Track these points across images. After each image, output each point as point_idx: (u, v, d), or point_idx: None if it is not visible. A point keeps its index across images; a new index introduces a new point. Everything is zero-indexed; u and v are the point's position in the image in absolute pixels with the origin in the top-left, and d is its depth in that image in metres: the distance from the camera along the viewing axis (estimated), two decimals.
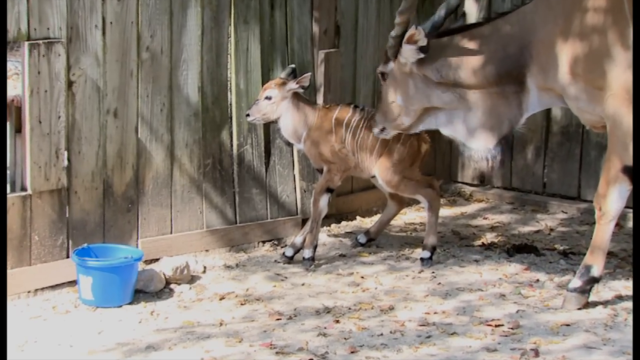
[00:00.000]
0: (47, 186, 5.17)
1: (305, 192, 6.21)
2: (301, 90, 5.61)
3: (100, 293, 5.09)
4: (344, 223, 6.50)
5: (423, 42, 5.03)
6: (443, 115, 5.22)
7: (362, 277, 5.57)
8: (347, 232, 6.36)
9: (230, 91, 5.90)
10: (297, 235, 5.81)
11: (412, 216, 6.72)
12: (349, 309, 5.09)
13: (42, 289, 5.20)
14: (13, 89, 5.19)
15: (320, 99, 6.25)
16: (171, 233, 5.71)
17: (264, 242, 6.05)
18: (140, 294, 5.26)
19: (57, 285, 5.24)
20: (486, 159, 5.14)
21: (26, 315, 4.97)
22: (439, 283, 5.47)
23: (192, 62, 5.69)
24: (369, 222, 6.53)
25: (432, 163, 7.17)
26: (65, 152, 5.24)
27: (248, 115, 5.58)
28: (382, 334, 4.76)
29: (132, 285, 5.20)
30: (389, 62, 5.25)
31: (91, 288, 5.09)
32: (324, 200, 5.68)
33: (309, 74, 5.64)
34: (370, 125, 5.55)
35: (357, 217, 6.59)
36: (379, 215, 6.69)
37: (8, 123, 5.22)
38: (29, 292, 5.15)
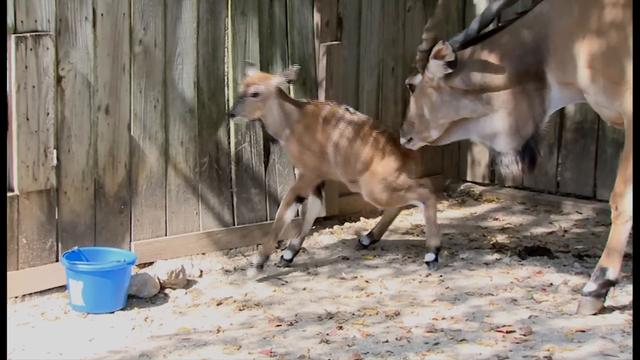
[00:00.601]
0: (35, 186, 5.18)
1: None
2: (287, 85, 5.56)
3: (91, 298, 5.09)
4: (347, 224, 6.51)
5: (451, 57, 5.18)
6: (471, 124, 5.33)
7: (367, 281, 5.57)
8: (350, 234, 6.36)
9: (228, 86, 5.90)
10: (295, 237, 5.81)
11: (419, 217, 6.70)
12: (353, 314, 5.10)
13: (31, 294, 5.21)
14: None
15: (322, 94, 6.26)
16: (166, 235, 5.71)
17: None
18: (133, 300, 5.26)
19: (46, 290, 5.24)
20: (516, 161, 5.22)
21: (14, 321, 4.97)
22: (447, 287, 5.47)
23: (187, 56, 5.69)
24: (373, 224, 6.51)
25: (440, 162, 7.18)
26: (54, 151, 5.24)
27: (233, 115, 5.47)
28: (387, 341, 4.75)
29: (125, 290, 5.20)
30: (417, 74, 5.38)
31: (82, 293, 5.09)
32: (292, 210, 5.59)
33: (296, 67, 5.58)
34: (357, 132, 5.53)
35: (361, 218, 6.59)
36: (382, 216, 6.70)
37: None
38: (16, 297, 5.16)
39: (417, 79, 5.37)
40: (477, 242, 6.21)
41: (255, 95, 5.44)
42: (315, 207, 5.76)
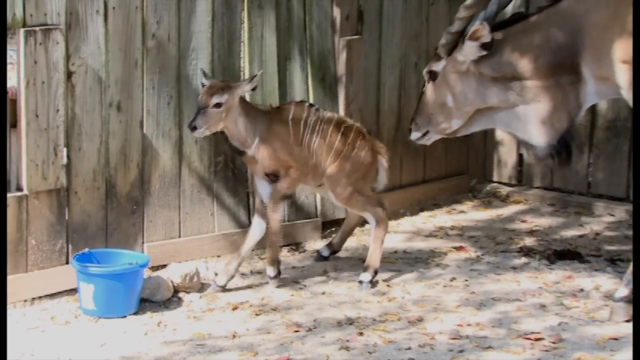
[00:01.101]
0: (45, 186, 5.20)
1: None
2: (249, 93, 5.39)
3: (102, 302, 5.11)
4: (368, 226, 6.47)
5: (487, 38, 5.14)
6: (498, 114, 5.31)
7: (388, 285, 5.57)
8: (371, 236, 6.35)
9: None
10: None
11: (444, 219, 6.71)
12: (374, 320, 5.09)
13: (40, 297, 5.23)
14: (8, 79, 5.21)
15: (341, 91, 6.26)
16: (179, 237, 5.73)
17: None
18: (146, 304, 5.28)
19: (56, 293, 5.26)
20: (550, 155, 5.21)
21: (23, 326, 5.00)
22: (473, 292, 5.45)
23: (201, 51, 5.71)
24: (395, 225, 6.52)
25: (465, 161, 7.17)
26: (65, 149, 5.27)
27: (195, 127, 5.20)
28: (410, 348, 4.75)
29: (137, 294, 5.22)
30: (440, 60, 5.32)
31: (93, 297, 5.12)
32: (281, 209, 5.49)
33: (260, 72, 5.49)
34: (325, 127, 5.44)
35: None
36: (405, 219, 6.70)
37: None
38: (25, 301, 5.19)
39: (440, 65, 5.31)
40: (503, 245, 6.19)
41: (217, 105, 5.24)
42: (258, 229, 5.52)
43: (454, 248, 6.16)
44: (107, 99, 5.39)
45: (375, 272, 5.53)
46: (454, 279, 5.66)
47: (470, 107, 5.30)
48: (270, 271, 5.46)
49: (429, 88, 5.38)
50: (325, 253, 5.85)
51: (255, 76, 5.34)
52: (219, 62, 5.78)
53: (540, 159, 5.24)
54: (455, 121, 5.34)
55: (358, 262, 5.94)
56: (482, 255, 6.02)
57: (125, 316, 5.14)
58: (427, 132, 5.44)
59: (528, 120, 5.22)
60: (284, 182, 5.44)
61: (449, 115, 5.33)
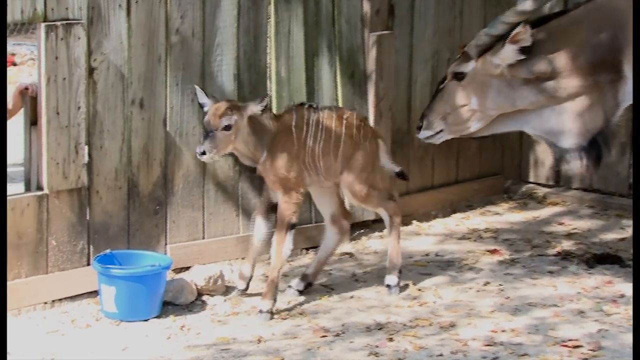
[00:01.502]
0: (66, 185, 5.23)
1: None
2: (259, 113, 5.20)
3: (124, 305, 5.13)
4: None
5: (527, 42, 5.10)
6: (525, 116, 5.25)
7: (419, 290, 5.55)
8: (401, 238, 6.32)
9: (270, 79, 5.91)
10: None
11: (477, 221, 6.68)
12: (404, 325, 5.08)
13: (60, 300, 5.26)
14: (28, 76, 5.26)
15: (371, 88, 6.25)
16: (203, 238, 5.74)
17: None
18: (169, 307, 5.29)
19: (76, 296, 5.29)
20: (579, 157, 5.15)
21: (42, 329, 5.03)
22: (508, 297, 5.42)
23: (227, 47, 5.72)
24: (426, 228, 6.50)
25: (500, 161, 7.13)
26: (86, 147, 5.29)
27: (204, 153, 5.04)
28: (441, 355, 4.73)
29: (160, 297, 5.23)
30: (469, 60, 5.27)
31: (114, 299, 5.14)
32: (289, 241, 5.24)
33: (270, 94, 5.42)
34: (327, 124, 5.32)
35: (414, 222, 6.57)
36: (437, 220, 6.67)
37: (23, 114, 5.29)
38: (45, 303, 5.22)
39: (470, 66, 5.26)
40: (540, 249, 6.15)
41: (227, 128, 5.08)
42: (261, 230, 5.39)
43: (488, 251, 6.13)
44: (129, 96, 5.41)
45: (400, 272, 5.50)
46: (488, 283, 5.63)
47: (496, 111, 5.25)
48: (265, 305, 5.17)
49: (452, 88, 5.31)
50: (300, 287, 5.51)
51: (265, 96, 5.23)
52: (244, 58, 5.79)
53: (567, 161, 5.18)
54: (475, 123, 5.29)
55: None
56: (518, 258, 5.99)
57: (148, 319, 5.15)
58: (441, 131, 5.38)
59: (558, 121, 5.15)
60: (286, 209, 5.25)
61: (470, 117, 5.28)
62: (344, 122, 5.39)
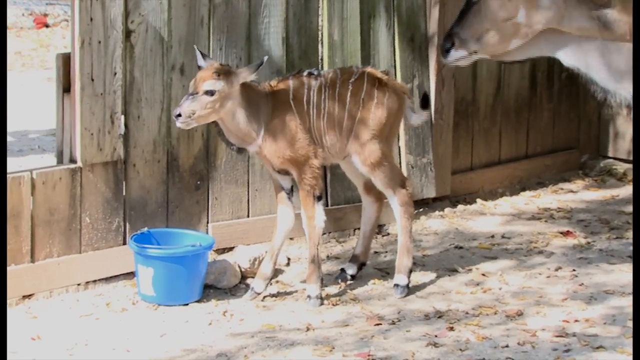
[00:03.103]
0: (101, 157, 5.29)
1: (412, 168, 6.19)
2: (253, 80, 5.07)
3: (162, 288, 5.19)
4: (460, 207, 6.47)
5: None
6: (568, 41, 5.04)
7: (483, 275, 5.54)
8: (464, 218, 6.32)
9: (322, 43, 5.91)
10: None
11: (548, 199, 6.64)
12: (467, 313, 5.07)
13: (95, 281, 5.33)
14: (61, 38, 5.30)
15: (432, 53, 6.21)
16: (248, 217, 5.77)
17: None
18: (210, 290, 5.34)
19: (111, 277, 5.36)
20: (628, 105, 5.01)
21: (75, 312, 5.11)
22: (581, 284, 5.39)
23: (274, 7, 5.72)
24: (492, 207, 6.47)
25: (575, 133, 7.06)
26: (122, 117, 5.34)
27: (179, 115, 4.91)
28: (507, 346, 4.72)
29: (201, 280, 5.28)
30: None
31: (152, 282, 5.19)
32: (320, 212, 5.18)
33: (266, 58, 5.12)
34: (330, 92, 5.19)
35: (478, 200, 6.55)
36: (504, 199, 6.64)
37: (55, 81, 5.34)
38: (78, 285, 5.29)
39: None
40: (618, 231, 6.11)
41: (209, 93, 4.94)
42: (287, 220, 5.30)
43: (561, 233, 6.10)
44: (169, 61, 5.44)
45: (410, 272, 5.35)
46: (560, 268, 5.60)
47: (542, 25, 4.97)
48: (312, 290, 5.19)
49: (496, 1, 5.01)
50: (352, 271, 5.49)
51: (262, 63, 5.04)
52: (294, 20, 5.78)
53: (613, 107, 5.01)
54: (515, 41, 5.02)
55: (449, 247, 5.92)
56: (593, 241, 5.95)
57: (188, 304, 5.20)
58: (475, 52, 5.08)
59: (609, 59, 4.97)
60: (305, 183, 5.18)
61: (513, 33, 5.01)
62: (349, 86, 5.24)
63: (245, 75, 5.04)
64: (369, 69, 5.36)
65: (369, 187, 5.45)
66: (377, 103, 5.25)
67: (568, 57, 5.08)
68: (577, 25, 4.97)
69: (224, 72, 5.00)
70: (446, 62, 5.16)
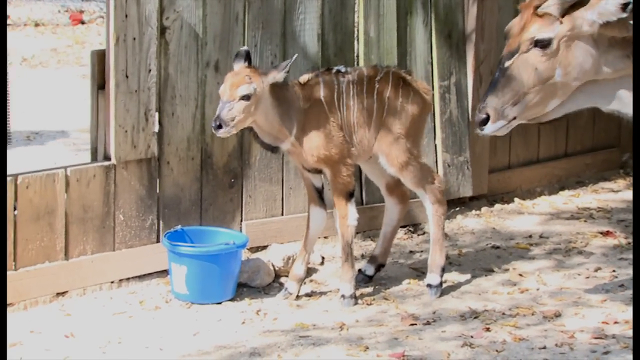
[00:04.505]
0: (134, 155, 5.33)
1: (449, 166, 6.18)
2: (281, 80, 5.07)
3: (196, 286, 5.22)
4: (498, 206, 6.45)
5: None
6: (603, 88, 4.95)
7: (521, 275, 5.53)
8: (502, 218, 6.30)
9: (358, 40, 5.92)
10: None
11: (588, 199, 6.61)
12: (503, 314, 5.06)
13: (128, 279, 5.37)
14: (97, 35, 5.34)
15: (470, 50, 6.20)
16: (282, 215, 5.80)
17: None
18: (244, 289, 5.37)
19: (145, 275, 5.40)
20: None
21: (109, 310, 5.15)
22: (622, 285, 5.36)
23: (310, 4, 5.73)
24: (530, 206, 6.44)
25: (616, 131, 7.01)
26: (156, 114, 5.38)
27: (220, 126, 4.93)
28: (544, 347, 4.70)
29: (235, 278, 5.31)
30: (553, 22, 4.83)
31: (185, 280, 5.22)
32: (353, 210, 5.18)
33: (295, 56, 5.15)
34: (358, 89, 5.18)
35: (515, 199, 6.53)
36: (543, 198, 6.61)
37: (90, 78, 5.39)
38: (112, 282, 5.34)
39: (555, 29, 4.80)
40: None
41: (246, 98, 4.98)
42: (319, 219, 5.31)
43: (600, 233, 6.07)
44: (204, 58, 5.47)
45: (443, 271, 5.33)
46: (599, 269, 5.58)
47: (579, 81, 4.87)
48: (346, 289, 5.20)
49: (531, 60, 4.85)
50: (370, 271, 5.49)
51: (290, 61, 5.06)
52: (329, 16, 5.79)
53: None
54: (553, 102, 4.89)
55: (486, 246, 5.90)
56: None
57: (221, 302, 5.23)
58: (514, 119, 4.90)
59: None
60: (338, 182, 5.19)
61: (551, 93, 4.88)
62: (376, 85, 5.23)
63: (275, 75, 5.06)
64: (393, 68, 5.38)
65: (392, 188, 5.46)
66: (402, 102, 5.26)
67: (606, 103, 4.98)
68: (613, 69, 4.88)
69: (255, 74, 5.02)
70: (483, 135, 4.98)
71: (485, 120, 4.88)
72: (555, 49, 4.84)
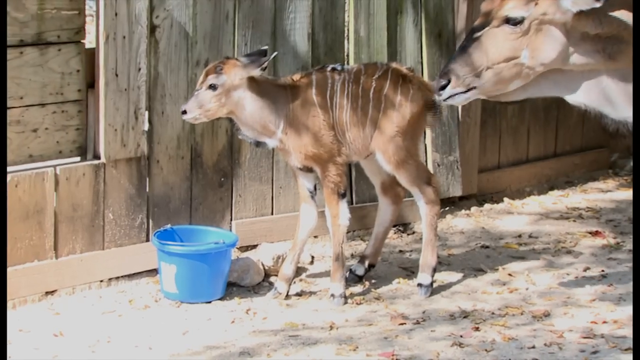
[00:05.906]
0: (124, 153, 5.33)
1: (439, 166, 6.20)
2: (260, 74, 5.08)
3: (185, 285, 5.22)
4: (487, 206, 6.47)
5: None
6: (569, 79, 4.98)
7: (510, 275, 5.55)
8: (491, 217, 6.32)
9: (348, 39, 5.93)
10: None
11: (577, 199, 6.63)
12: (492, 313, 5.08)
13: (117, 278, 5.37)
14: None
15: None
16: (272, 214, 5.81)
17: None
18: (233, 288, 5.38)
19: (134, 274, 5.40)
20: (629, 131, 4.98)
21: (98, 309, 5.15)
22: (610, 284, 5.39)
23: (300, 3, 5.74)
24: (519, 206, 6.47)
25: (605, 131, 7.02)
26: (146, 113, 5.38)
27: (185, 112, 5.01)
28: (534, 347, 4.72)
29: (224, 277, 5.32)
30: (528, 3, 4.85)
31: (175, 279, 5.23)
32: (344, 209, 5.20)
33: (275, 54, 5.21)
34: (354, 88, 5.19)
35: (505, 199, 6.55)
36: (532, 198, 6.64)
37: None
38: (101, 281, 5.34)
39: (528, 10, 4.83)
40: None
41: (212, 87, 5.01)
42: (310, 218, 5.32)
43: (589, 233, 6.10)
44: (194, 57, 5.48)
45: (434, 271, 5.35)
46: (588, 268, 5.60)
47: (544, 67, 4.89)
48: (335, 289, 5.22)
49: (499, 36, 4.87)
50: (360, 271, 5.51)
51: (268, 58, 5.07)
52: (319, 15, 5.81)
53: (625, 135, 4.97)
54: (516, 82, 4.91)
55: (476, 246, 5.92)
56: (623, 242, 5.94)
57: (211, 301, 5.24)
58: (472, 89, 4.92)
59: (613, 88, 4.94)
60: (329, 180, 5.20)
61: (515, 74, 4.90)
62: (372, 82, 5.24)
63: (251, 68, 5.05)
64: (393, 65, 5.36)
65: (387, 188, 5.47)
66: (400, 100, 5.26)
67: (572, 95, 4.99)
68: (581, 61, 4.90)
69: (229, 67, 5.04)
70: (440, 99, 4.97)
71: (445, 86, 4.91)
72: (525, 29, 4.85)
